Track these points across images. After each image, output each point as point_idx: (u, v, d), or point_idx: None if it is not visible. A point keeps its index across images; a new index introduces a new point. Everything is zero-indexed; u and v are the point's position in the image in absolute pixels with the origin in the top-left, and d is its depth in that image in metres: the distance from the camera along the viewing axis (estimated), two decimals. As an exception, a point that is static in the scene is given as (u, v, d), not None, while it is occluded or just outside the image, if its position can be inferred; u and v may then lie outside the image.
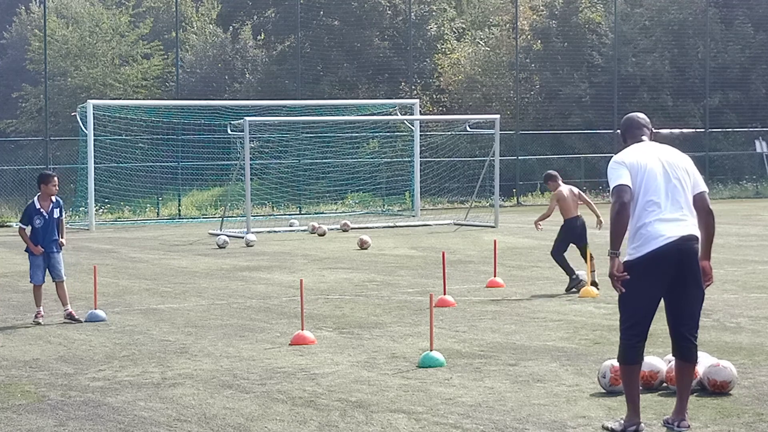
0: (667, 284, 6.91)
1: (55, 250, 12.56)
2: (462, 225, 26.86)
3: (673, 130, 41.36)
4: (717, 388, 7.99)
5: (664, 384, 8.17)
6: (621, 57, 41.08)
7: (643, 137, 7.26)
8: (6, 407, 8.16)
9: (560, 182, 14.69)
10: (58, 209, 12.64)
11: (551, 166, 40.08)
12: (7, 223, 30.37)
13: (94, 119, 28.61)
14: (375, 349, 10.25)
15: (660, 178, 6.94)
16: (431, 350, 9.45)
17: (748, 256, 18.05)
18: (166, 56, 49.27)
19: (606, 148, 39.85)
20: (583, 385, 8.45)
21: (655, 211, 6.89)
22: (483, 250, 20.13)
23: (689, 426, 7.03)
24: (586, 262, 13.88)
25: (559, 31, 42.88)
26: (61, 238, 12.66)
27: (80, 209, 30.31)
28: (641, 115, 7.45)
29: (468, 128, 30.96)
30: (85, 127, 28.50)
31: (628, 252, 6.99)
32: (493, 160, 27.51)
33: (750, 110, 42.37)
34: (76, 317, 12.33)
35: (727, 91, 42.03)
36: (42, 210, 12.45)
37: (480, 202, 32.29)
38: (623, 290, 6.90)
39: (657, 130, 7.66)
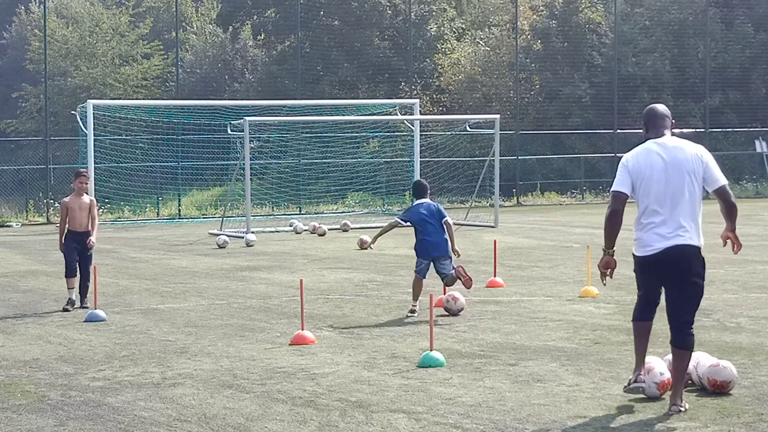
0: (660, 280, 7.65)
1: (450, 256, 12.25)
2: (462, 225, 26.83)
3: (674, 130, 41.31)
4: (717, 388, 7.99)
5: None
6: (621, 57, 41.06)
7: (665, 131, 7.76)
8: (6, 407, 8.16)
9: None
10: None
11: (551, 166, 40.31)
12: (7, 223, 30.37)
13: (94, 119, 28.58)
14: (375, 349, 10.24)
15: (662, 186, 7.52)
16: (431, 350, 9.45)
17: (748, 256, 18.02)
18: (166, 56, 49.28)
19: (606, 148, 39.84)
20: (583, 385, 8.44)
21: (653, 221, 7.54)
22: (483, 250, 20.12)
23: (681, 409, 7.48)
24: None
25: (559, 31, 42.86)
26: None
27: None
28: (662, 106, 7.93)
29: (468, 128, 30.94)
30: (85, 127, 28.49)
31: (634, 244, 7.75)
32: (493, 160, 27.49)
33: (750, 110, 42.36)
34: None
35: (728, 91, 42.01)
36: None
37: (480, 202, 32.26)
38: (605, 284, 7.87)
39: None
